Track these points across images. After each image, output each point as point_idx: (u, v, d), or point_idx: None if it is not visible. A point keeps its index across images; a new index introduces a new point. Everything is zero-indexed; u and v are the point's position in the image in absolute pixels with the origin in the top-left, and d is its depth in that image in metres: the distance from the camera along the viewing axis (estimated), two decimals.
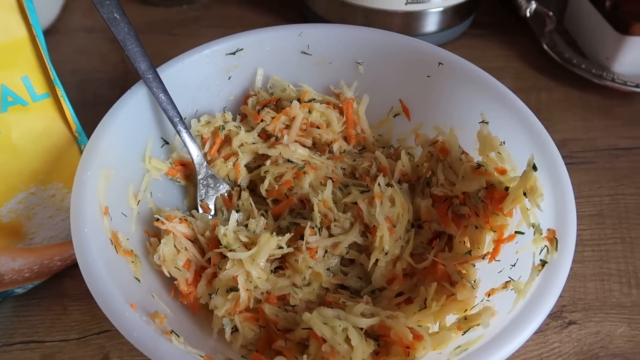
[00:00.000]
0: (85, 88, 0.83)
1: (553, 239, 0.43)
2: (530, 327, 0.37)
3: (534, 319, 0.37)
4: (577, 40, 0.90)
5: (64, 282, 0.59)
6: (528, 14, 0.91)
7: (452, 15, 0.90)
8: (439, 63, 0.59)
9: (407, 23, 0.88)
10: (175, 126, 0.55)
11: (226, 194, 0.59)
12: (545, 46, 0.89)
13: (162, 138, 0.57)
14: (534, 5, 0.90)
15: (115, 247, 0.44)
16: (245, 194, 0.58)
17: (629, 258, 0.64)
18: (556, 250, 0.42)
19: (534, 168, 0.49)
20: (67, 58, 0.88)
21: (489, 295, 0.47)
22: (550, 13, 0.90)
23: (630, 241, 0.66)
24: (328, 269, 0.53)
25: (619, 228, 0.67)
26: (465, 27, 0.95)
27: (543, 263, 0.42)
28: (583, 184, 0.72)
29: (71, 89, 0.81)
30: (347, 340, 0.42)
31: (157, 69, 0.54)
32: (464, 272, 0.50)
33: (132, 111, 0.52)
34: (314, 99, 0.62)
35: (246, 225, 0.54)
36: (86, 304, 0.58)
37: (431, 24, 0.89)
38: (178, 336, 0.40)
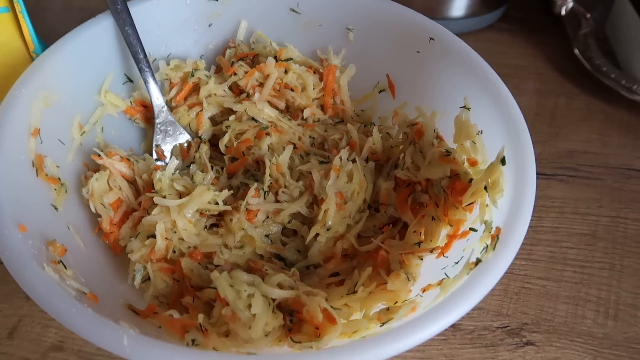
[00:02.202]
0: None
1: (495, 237, 0.38)
2: (433, 328, 0.32)
3: (441, 319, 0.32)
4: (615, 49, 0.82)
5: None
6: (563, 12, 0.83)
7: (480, 2, 0.84)
8: (430, 38, 0.54)
9: (430, 3, 0.83)
10: (137, 63, 0.52)
11: (185, 144, 0.57)
12: (575, 49, 0.81)
13: (125, 74, 0.55)
14: (570, 3, 0.82)
15: (36, 170, 0.43)
16: (204, 147, 0.56)
17: (613, 287, 0.57)
18: (493, 249, 0.36)
19: (502, 162, 0.43)
20: None
21: (424, 291, 0.43)
22: (588, 15, 0.82)
23: (620, 269, 0.59)
24: (267, 236, 0.50)
25: (610, 253, 0.60)
26: (493, 19, 0.88)
27: (477, 261, 0.37)
28: (582, 200, 0.65)
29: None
30: (251, 307, 0.39)
31: (128, 3, 0.52)
32: (407, 262, 0.46)
33: (92, 39, 0.50)
34: (292, 59, 0.58)
35: (192, 178, 0.51)
36: None
37: (457, 8, 0.83)
38: (66, 268, 0.38)
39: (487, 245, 0.38)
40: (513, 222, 0.38)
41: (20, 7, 0.48)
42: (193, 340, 0.37)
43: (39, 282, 0.32)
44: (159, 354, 0.29)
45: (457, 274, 0.38)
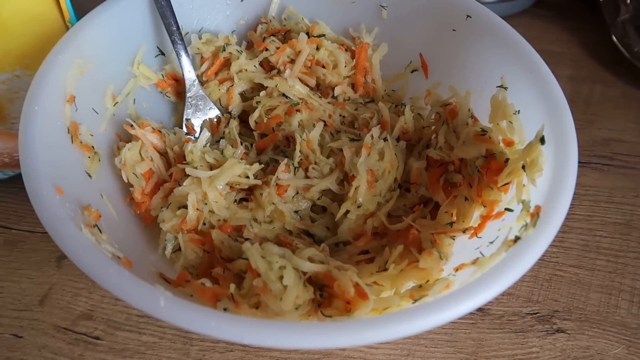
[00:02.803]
0: None
1: (535, 215, 0.36)
2: (472, 302, 0.31)
3: (478, 294, 0.32)
4: None
5: None
6: None
7: None
8: (467, 16, 0.52)
9: None
10: (170, 35, 0.52)
11: (215, 119, 0.56)
12: (613, 36, 0.78)
13: (158, 47, 0.55)
14: None
15: (71, 136, 0.43)
16: (234, 122, 0.55)
17: None
18: (534, 226, 0.35)
19: (542, 141, 0.42)
20: None
21: (457, 270, 0.42)
22: (628, 0, 0.79)
23: None
24: (296, 212, 0.49)
25: None
26: (528, 4, 0.86)
27: (516, 239, 0.36)
28: (617, 189, 0.63)
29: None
30: (282, 279, 0.39)
31: None
32: (438, 242, 0.45)
33: (126, 9, 0.50)
34: (324, 35, 0.57)
35: (222, 152, 0.51)
36: None
37: None
38: (101, 232, 0.38)
39: (527, 223, 0.37)
40: (554, 200, 0.37)
41: None
42: (224, 309, 0.37)
43: (77, 242, 0.32)
44: (195, 316, 0.29)
45: (494, 252, 0.37)
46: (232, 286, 0.39)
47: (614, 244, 0.58)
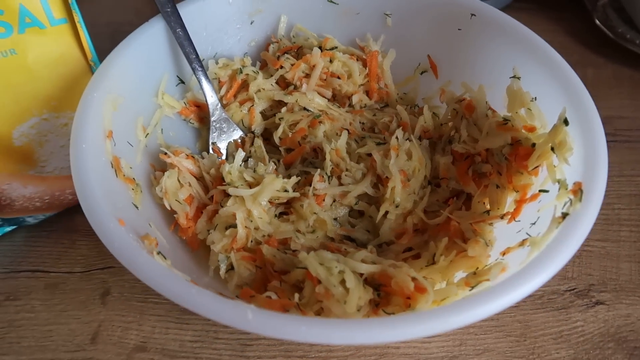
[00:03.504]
0: (117, 39, 0.84)
1: (578, 190, 0.39)
2: (541, 277, 0.33)
3: (546, 269, 0.33)
4: (633, 16, 0.83)
5: (75, 217, 0.60)
6: None
7: None
8: (472, 14, 0.55)
9: None
10: (190, 63, 0.53)
11: (239, 140, 0.58)
12: (597, 20, 0.82)
13: (177, 76, 0.56)
14: None
15: (115, 170, 0.44)
16: (258, 141, 0.57)
17: None
18: (580, 200, 0.37)
19: (565, 122, 0.44)
20: (104, 10, 0.90)
21: (504, 254, 0.43)
22: None
23: None
24: (335, 219, 0.51)
25: None
26: (510, 0, 0.90)
27: (564, 215, 0.38)
28: (626, 163, 0.66)
29: (104, 40, 0.82)
30: (343, 283, 0.40)
31: (177, 5, 0.53)
32: (479, 230, 0.47)
33: (147, 43, 0.51)
34: (336, 48, 0.59)
35: (255, 170, 0.52)
36: (94, 240, 0.58)
37: None
38: (165, 258, 0.38)
39: (571, 200, 0.39)
40: (593, 174, 0.39)
41: (78, 17, 0.49)
42: None
43: (154, 269, 0.33)
44: (285, 323, 0.30)
45: (544, 231, 0.39)
46: (297, 296, 0.40)
47: (632, 214, 0.61)
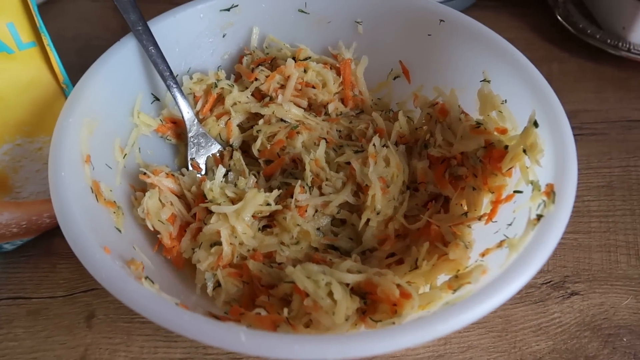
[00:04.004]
0: (86, 54, 0.82)
1: (551, 192, 0.40)
2: (522, 278, 0.35)
3: (526, 271, 0.35)
4: (592, 10, 0.86)
5: (53, 240, 0.59)
6: None
7: None
8: (440, 20, 0.56)
9: None
10: (165, 81, 0.53)
11: (217, 154, 0.58)
12: (558, 16, 0.85)
13: (152, 94, 0.56)
14: None
15: (95, 195, 0.43)
16: (237, 154, 0.57)
17: (638, 230, 0.61)
18: (553, 202, 0.39)
19: (535, 124, 0.46)
20: (69, 25, 0.88)
21: (483, 255, 0.45)
22: None
23: None
24: (318, 229, 0.51)
25: (628, 200, 0.64)
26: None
27: (539, 217, 0.40)
28: (593, 155, 0.69)
29: (71, 55, 0.81)
30: (331, 294, 0.41)
31: (147, 23, 0.53)
32: (459, 233, 0.48)
33: (120, 63, 0.51)
34: (310, 58, 0.60)
35: (236, 184, 0.53)
36: (75, 262, 0.57)
37: None
38: (153, 283, 0.39)
39: (545, 201, 0.40)
40: (564, 176, 0.41)
41: (47, 40, 0.48)
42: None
43: (143, 296, 0.33)
44: (278, 343, 0.31)
45: (521, 233, 0.40)
46: (286, 310, 0.40)
47: (601, 205, 0.64)
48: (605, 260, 0.58)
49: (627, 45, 0.78)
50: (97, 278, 0.34)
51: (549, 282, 0.57)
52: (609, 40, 0.80)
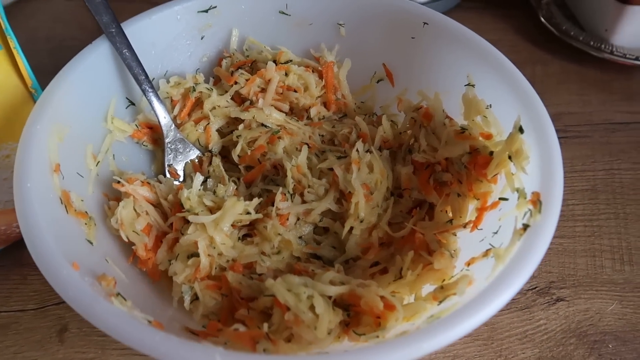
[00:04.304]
0: (59, 55, 0.79)
1: (537, 202, 0.39)
2: (509, 292, 0.34)
3: (513, 283, 0.34)
4: (575, 12, 0.86)
5: (24, 250, 0.54)
6: None
7: None
8: (424, 23, 0.55)
9: None
10: (140, 85, 0.51)
11: (196, 160, 0.56)
12: (542, 18, 0.85)
13: (127, 98, 0.54)
14: None
15: (65, 206, 0.41)
16: (216, 160, 0.55)
17: (622, 234, 0.61)
18: (539, 212, 0.38)
19: (520, 130, 0.45)
20: (42, 25, 0.85)
21: (468, 264, 0.44)
22: None
23: (625, 217, 0.62)
24: (300, 238, 0.50)
25: (612, 203, 0.64)
26: (459, 0, 0.91)
27: (525, 227, 0.39)
28: (577, 158, 0.69)
29: (43, 56, 0.78)
30: (312, 308, 0.39)
31: (121, 24, 0.51)
32: (444, 241, 0.47)
33: (92, 67, 0.49)
34: (291, 61, 0.58)
35: (214, 192, 0.51)
36: None
37: None
38: (125, 300, 0.37)
39: (531, 210, 0.39)
40: (550, 184, 0.40)
41: (14, 43, 0.46)
42: (264, 350, 0.37)
43: (113, 316, 0.31)
44: None
45: (508, 242, 0.39)
46: (265, 325, 0.39)
47: (585, 209, 0.63)
48: (590, 265, 0.58)
49: (610, 48, 0.78)
50: (64, 297, 0.32)
51: (535, 288, 0.56)
52: (591, 42, 0.80)
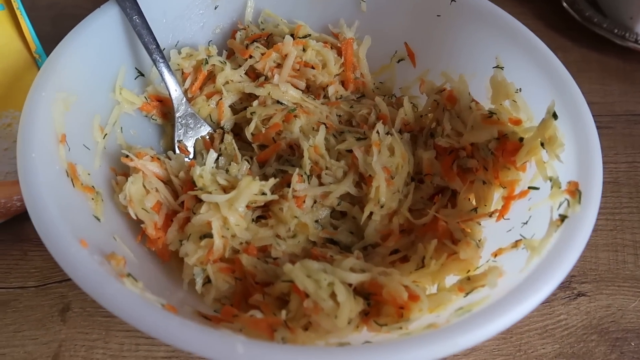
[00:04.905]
0: (61, 24, 0.76)
1: (575, 192, 0.37)
2: (548, 286, 0.32)
3: (552, 278, 0.32)
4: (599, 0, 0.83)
5: (25, 225, 0.54)
6: None
7: None
8: (452, 0, 0.52)
9: None
10: (151, 54, 0.48)
11: (207, 136, 0.53)
12: (564, 3, 0.82)
13: (136, 69, 0.51)
14: None
15: (71, 179, 0.39)
16: (228, 137, 0.52)
17: None
18: (579, 203, 0.36)
19: (554, 116, 0.43)
20: None
21: (495, 255, 0.42)
22: None
23: None
24: (316, 221, 0.48)
25: (635, 197, 0.62)
26: None
27: (562, 218, 0.36)
28: None
29: (45, 24, 0.74)
30: (333, 296, 0.37)
31: None
32: (468, 230, 0.45)
33: (100, 32, 0.46)
34: (309, 35, 0.55)
35: (227, 170, 0.48)
36: None
37: None
38: (136, 281, 0.34)
39: (568, 200, 0.37)
40: (589, 173, 0.37)
41: (17, 4, 0.43)
42: (282, 339, 0.35)
43: (126, 299, 0.29)
44: (281, 356, 0.27)
45: (542, 234, 0.37)
46: (284, 312, 0.37)
47: (608, 202, 0.61)
48: (612, 260, 0.56)
49: (635, 36, 0.76)
50: (73, 277, 0.30)
51: None
52: (615, 30, 0.77)
